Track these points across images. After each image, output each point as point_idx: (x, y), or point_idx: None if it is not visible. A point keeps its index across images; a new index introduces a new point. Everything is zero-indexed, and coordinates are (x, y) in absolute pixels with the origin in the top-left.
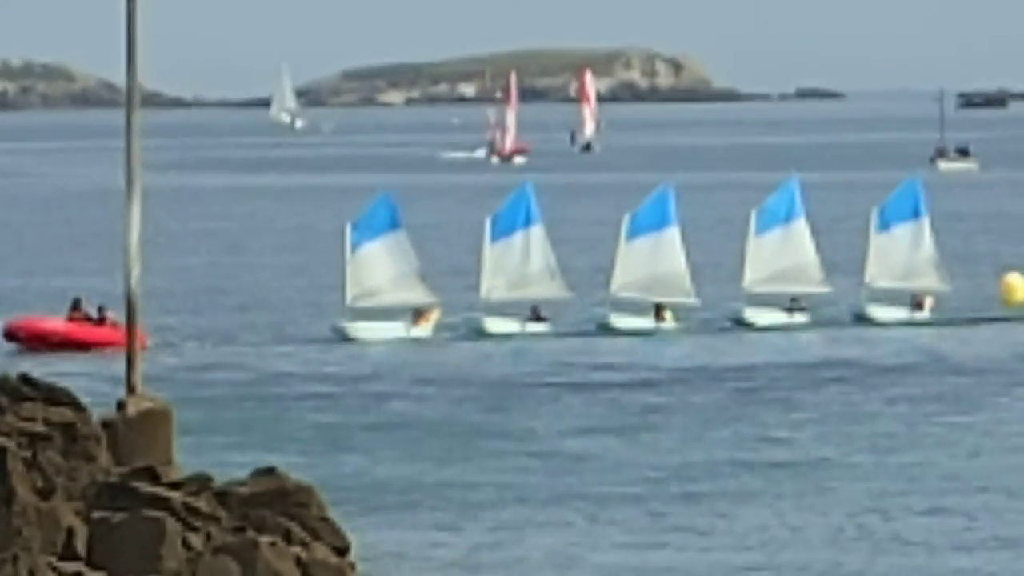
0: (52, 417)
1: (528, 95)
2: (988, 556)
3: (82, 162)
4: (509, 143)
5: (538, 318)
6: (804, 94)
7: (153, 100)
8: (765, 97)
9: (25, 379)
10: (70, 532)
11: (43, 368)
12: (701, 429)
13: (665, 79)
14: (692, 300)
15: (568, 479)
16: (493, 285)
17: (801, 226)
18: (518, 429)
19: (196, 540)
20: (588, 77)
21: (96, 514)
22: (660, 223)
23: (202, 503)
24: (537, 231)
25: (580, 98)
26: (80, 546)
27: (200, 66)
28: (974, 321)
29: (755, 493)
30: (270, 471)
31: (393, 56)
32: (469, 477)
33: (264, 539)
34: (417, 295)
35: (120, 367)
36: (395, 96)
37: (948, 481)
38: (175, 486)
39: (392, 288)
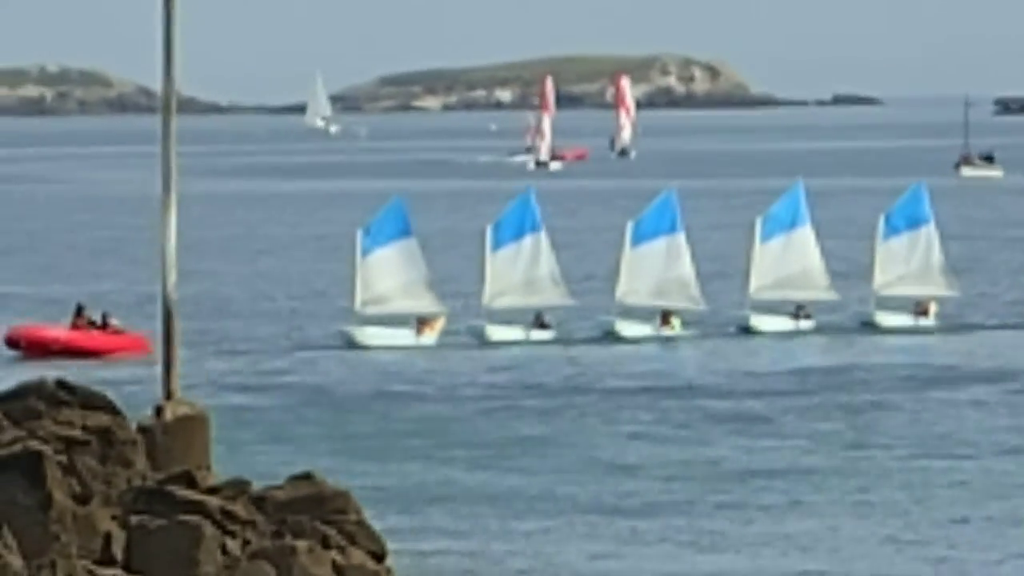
0: (89, 422)
1: (564, 101)
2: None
3: (118, 168)
4: (545, 149)
5: (542, 325)
6: (841, 100)
7: (189, 106)
8: (802, 103)
9: (62, 384)
10: (107, 537)
11: (79, 375)
12: (746, 435)
13: (701, 85)
14: (699, 306)
15: (602, 486)
16: (495, 293)
17: (806, 232)
18: (552, 436)
19: (233, 545)
20: (625, 83)
21: (133, 519)
22: (664, 229)
23: (239, 508)
24: (539, 238)
25: (617, 104)
26: (117, 551)
27: (236, 72)
28: (985, 327)
29: (790, 499)
30: (307, 476)
31: (430, 62)
32: (503, 484)
33: (301, 544)
34: (425, 303)
35: (136, 373)
36: (432, 102)
37: (992, 487)
38: (212, 491)
39: (400, 295)
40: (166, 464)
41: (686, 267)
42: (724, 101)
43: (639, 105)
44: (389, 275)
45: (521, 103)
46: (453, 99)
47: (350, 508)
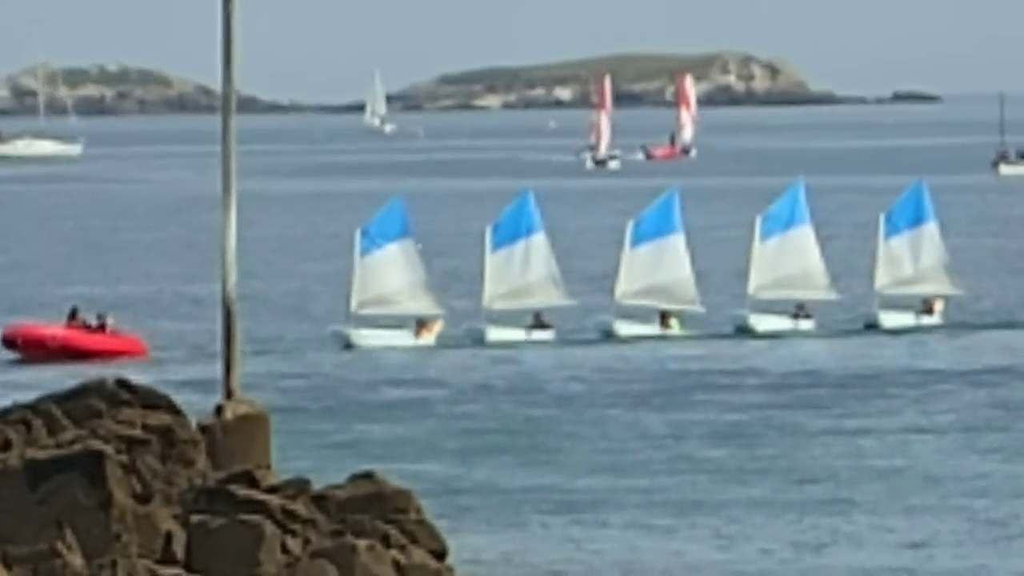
0: (150, 421)
1: (624, 99)
2: None
3: (179, 167)
4: (604, 147)
5: (542, 326)
6: (900, 97)
7: (249, 105)
8: (861, 100)
9: (122, 383)
10: (168, 537)
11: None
12: (757, 436)
13: (761, 82)
14: (696, 307)
15: (631, 485)
16: (495, 294)
17: (806, 232)
18: (588, 435)
19: (294, 544)
20: (687, 81)
21: (194, 518)
22: (665, 229)
23: (300, 507)
24: (539, 239)
25: (678, 102)
26: (178, 551)
27: (297, 71)
28: (994, 325)
29: (826, 498)
30: (368, 475)
31: (490, 60)
32: (562, 485)
33: (362, 543)
34: (422, 305)
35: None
36: (492, 100)
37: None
38: (273, 490)
39: (398, 297)
40: (227, 463)
41: (685, 268)
42: (784, 99)
43: (699, 103)
44: (387, 277)
45: (581, 101)
46: (513, 98)
47: (411, 507)
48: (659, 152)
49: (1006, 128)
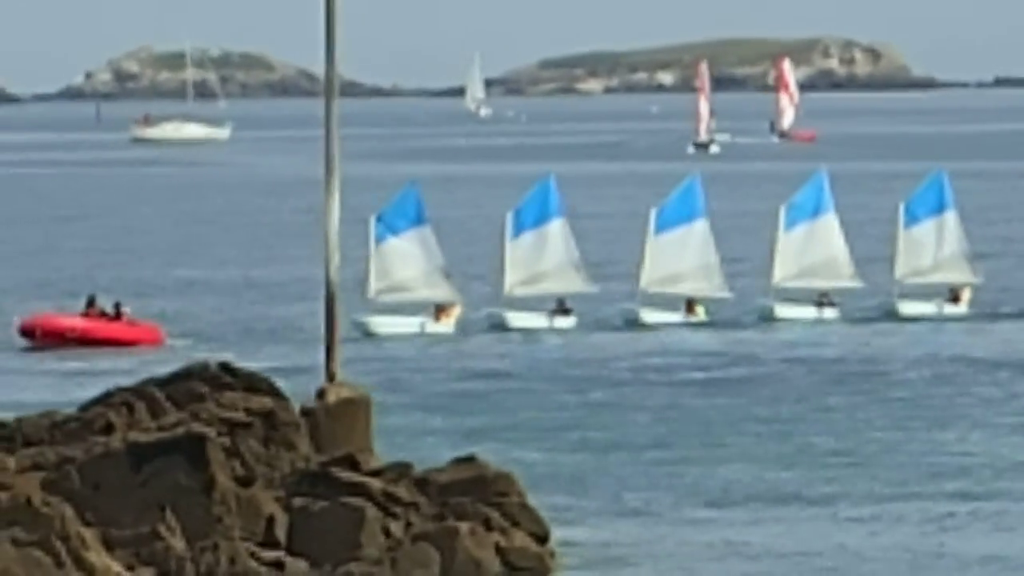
0: (252, 405)
1: (726, 83)
2: None
3: (281, 151)
4: (703, 131)
5: (564, 312)
6: (1002, 82)
7: (351, 89)
8: (963, 85)
9: (225, 367)
10: (270, 520)
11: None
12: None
13: (863, 67)
14: (724, 294)
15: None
16: (515, 280)
17: (830, 221)
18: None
19: (396, 527)
20: (787, 65)
21: (296, 502)
22: (689, 216)
23: (402, 491)
24: (560, 224)
25: (778, 87)
26: (280, 534)
27: (399, 55)
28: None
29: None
30: (470, 459)
31: (591, 45)
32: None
33: (464, 526)
34: (441, 292)
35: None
36: (594, 84)
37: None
38: (375, 474)
39: (417, 284)
40: (329, 447)
41: (710, 254)
42: (885, 83)
43: (800, 88)
44: (405, 264)
45: (682, 86)
46: (615, 82)
47: (513, 490)
48: (801, 135)
49: None
